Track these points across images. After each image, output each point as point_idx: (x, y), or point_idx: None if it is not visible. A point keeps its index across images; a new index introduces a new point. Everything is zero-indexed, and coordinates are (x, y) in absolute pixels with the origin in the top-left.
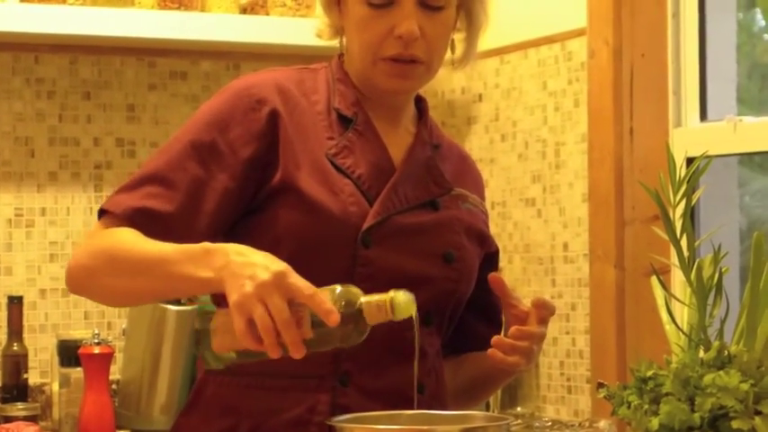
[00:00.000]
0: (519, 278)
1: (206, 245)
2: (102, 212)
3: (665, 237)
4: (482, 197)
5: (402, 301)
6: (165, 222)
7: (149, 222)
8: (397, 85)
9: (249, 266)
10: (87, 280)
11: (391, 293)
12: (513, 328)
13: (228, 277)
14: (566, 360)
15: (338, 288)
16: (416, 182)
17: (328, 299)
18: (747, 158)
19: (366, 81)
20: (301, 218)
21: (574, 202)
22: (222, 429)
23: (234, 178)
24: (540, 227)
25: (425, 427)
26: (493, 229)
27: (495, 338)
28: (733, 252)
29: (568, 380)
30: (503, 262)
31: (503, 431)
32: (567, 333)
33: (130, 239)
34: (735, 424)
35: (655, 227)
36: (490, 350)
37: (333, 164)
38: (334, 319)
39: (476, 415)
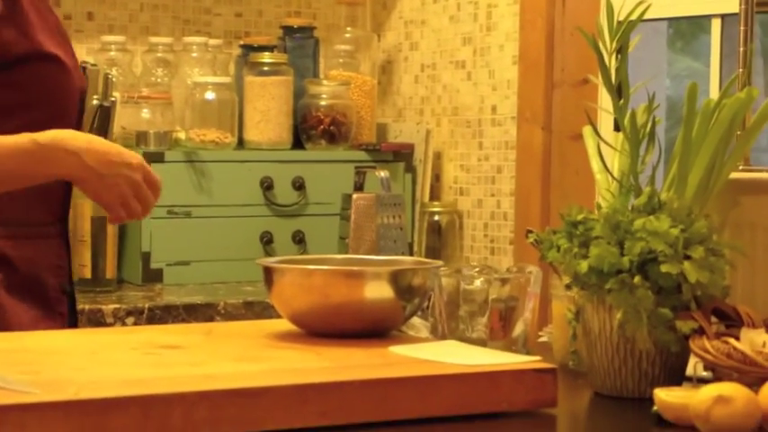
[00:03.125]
0: (446, 141)
1: (33, 138)
2: None
3: (599, 82)
4: None
5: None
6: None
7: None
8: None
9: (111, 165)
10: None
11: None
12: None
13: (94, 179)
14: (490, 222)
15: None
16: None
17: None
18: (671, 42)
19: None
20: (56, 78)
21: (504, 65)
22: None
23: None
24: (470, 90)
25: (356, 268)
26: (421, 92)
27: None
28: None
29: (492, 241)
30: (431, 125)
31: (431, 275)
32: (493, 195)
33: None
34: (664, 268)
35: (590, 74)
36: None
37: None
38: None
39: (404, 260)
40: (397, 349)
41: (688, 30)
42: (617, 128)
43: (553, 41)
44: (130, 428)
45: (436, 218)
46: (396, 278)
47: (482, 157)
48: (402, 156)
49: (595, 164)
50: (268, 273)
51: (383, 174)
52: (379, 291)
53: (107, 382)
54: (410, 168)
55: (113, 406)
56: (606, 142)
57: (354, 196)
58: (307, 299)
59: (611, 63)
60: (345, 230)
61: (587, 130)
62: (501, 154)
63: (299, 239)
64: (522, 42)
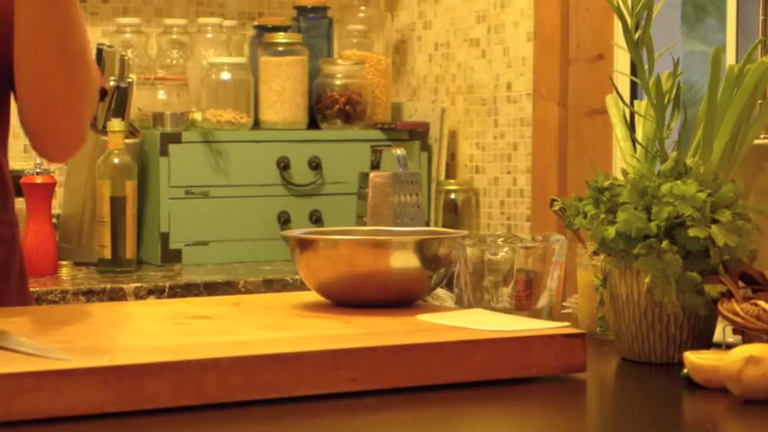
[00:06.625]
0: (461, 119)
1: None
2: None
3: (624, 47)
4: None
5: None
6: None
7: None
8: None
9: None
10: None
11: None
12: None
13: None
14: (506, 199)
15: None
16: None
17: None
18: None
19: None
20: None
21: (518, 42)
22: None
23: None
24: (484, 67)
25: (382, 238)
26: (436, 71)
27: None
28: None
29: (509, 218)
30: (445, 103)
31: (456, 245)
32: (509, 173)
33: None
34: (692, 232)
35: (606, 49)
36: None
37: None
38: None
39: (429, 230)
40: (426, 317)
41: (693, 13)
42: (633, 99)
43: (568, 17)
44: (165, 394)
45: (452, 196)
46: (421, 248)
47: (497, 134)
48: (417, 134)
49: (620, 131)
50: (294, 244)
51: (399, 152)
52: (405, 260)
53: (141, 350)
54: (425, 147)
55: (148, 372)
56: (631, 108)
57: (371, 175)
58: (333, 269)
59: (633, 27)
60: (363, 209)
61: (611, 99)
62: (516, 131)
63: (316, 219)
64: (536, 19)
